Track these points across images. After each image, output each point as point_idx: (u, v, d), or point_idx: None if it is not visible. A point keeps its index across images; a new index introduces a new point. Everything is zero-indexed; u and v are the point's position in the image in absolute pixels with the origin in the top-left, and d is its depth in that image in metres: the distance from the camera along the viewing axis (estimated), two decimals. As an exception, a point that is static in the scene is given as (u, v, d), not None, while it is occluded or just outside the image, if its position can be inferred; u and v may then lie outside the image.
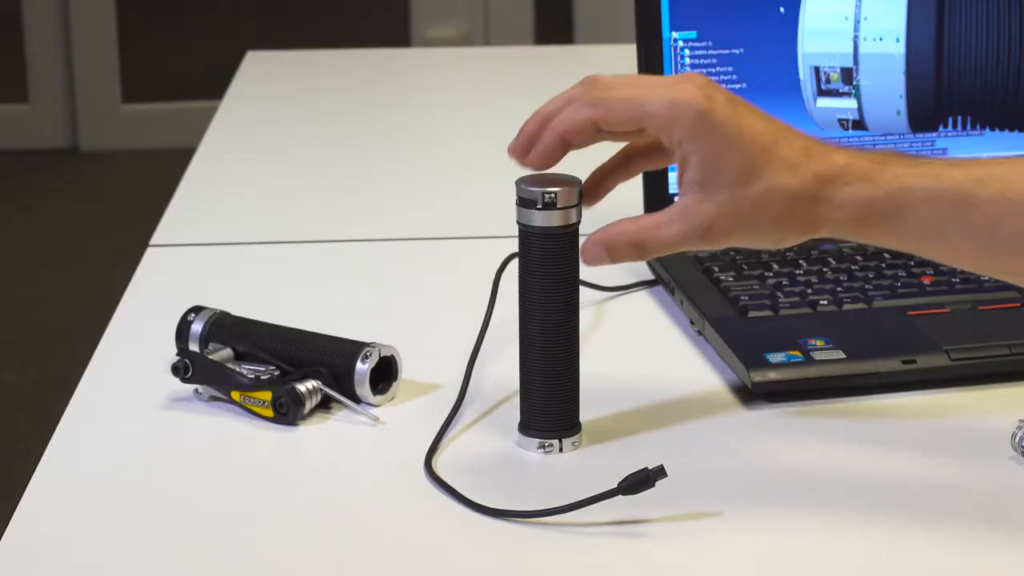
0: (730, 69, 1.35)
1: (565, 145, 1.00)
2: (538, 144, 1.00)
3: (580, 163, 1.04)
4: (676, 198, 1.01)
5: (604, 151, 1.04)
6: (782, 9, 1.35)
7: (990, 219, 0.96)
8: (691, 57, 1.34)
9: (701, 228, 0.98)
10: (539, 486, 1.03)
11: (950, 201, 0.96)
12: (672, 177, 1.35)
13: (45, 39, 4.58)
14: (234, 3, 4.70)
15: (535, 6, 4.64)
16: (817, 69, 1.36)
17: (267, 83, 2.11)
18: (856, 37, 1.36)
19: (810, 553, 0.96)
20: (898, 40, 1.37)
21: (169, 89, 4.64)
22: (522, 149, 1.00)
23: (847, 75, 1.37)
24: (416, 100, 2.09)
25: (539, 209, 1.02)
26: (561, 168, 1.02)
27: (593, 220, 1.03)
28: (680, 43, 1.34)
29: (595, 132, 0.99)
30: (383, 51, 2.78)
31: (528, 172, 1.02)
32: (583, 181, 1.04)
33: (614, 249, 1.00)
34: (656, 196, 1.35)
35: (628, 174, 1.05)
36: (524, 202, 1.02)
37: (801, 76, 1.36)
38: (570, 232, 1.03)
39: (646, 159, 1.04)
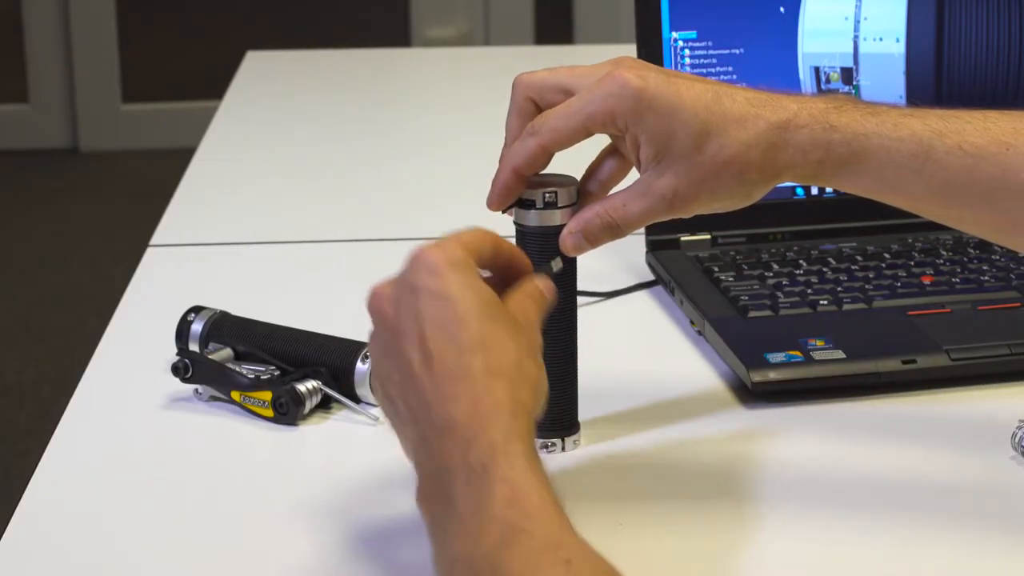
0: (730, 69, 1.35)
1: (521, 178, 1.01)
2: (495, 183, 1.01)
3: (576, 163, 1.04)
4: None
5: (596, 147, 1.04)
6: (782, 9, 1.35)
7: (946, 170, 0.97)
8: (691, 57, 1.34)
9: (664, 200, 0.98)
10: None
11: (908, 151, 0.97)
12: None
13: (45, 39, 4.58)
14: (234, 3, 4.70)
15: (535, 6, 4.64)
16: (817, 69, 1.36)
17: (267, 83, 2.11)
18: (856, 37, 1.36)
19: (810, 552, 0.96)
20: (898, 40, 1.37)
21: (169, 89, 4.64)
22: (490, 200, 1.02)
23: (847, 75, 1.37)
24: (416, 100, 2.09)
25: (539, 209, 1.02)
26: (557, 168, 1.03)
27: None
28: (680, 43, 1.34)
29: (547, 157, 1.00)
30: (383, 51, 2.78)
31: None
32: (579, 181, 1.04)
33: (591, 234, 1.01)
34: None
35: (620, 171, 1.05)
36: (523, 203, 1.02)
37: (801, 76, 1.36)
38: None
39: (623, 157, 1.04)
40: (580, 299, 1.07)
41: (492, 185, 1.01)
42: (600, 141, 1.03)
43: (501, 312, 0.88)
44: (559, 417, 1.07)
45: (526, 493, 0.81)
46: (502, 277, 0.94)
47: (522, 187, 1.01)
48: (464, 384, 0.84)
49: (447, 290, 0.87)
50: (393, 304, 0.88)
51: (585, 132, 0.98)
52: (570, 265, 1.04)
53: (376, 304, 0.90)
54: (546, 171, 1.02)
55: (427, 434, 0.85)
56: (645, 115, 0.97)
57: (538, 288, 0.93)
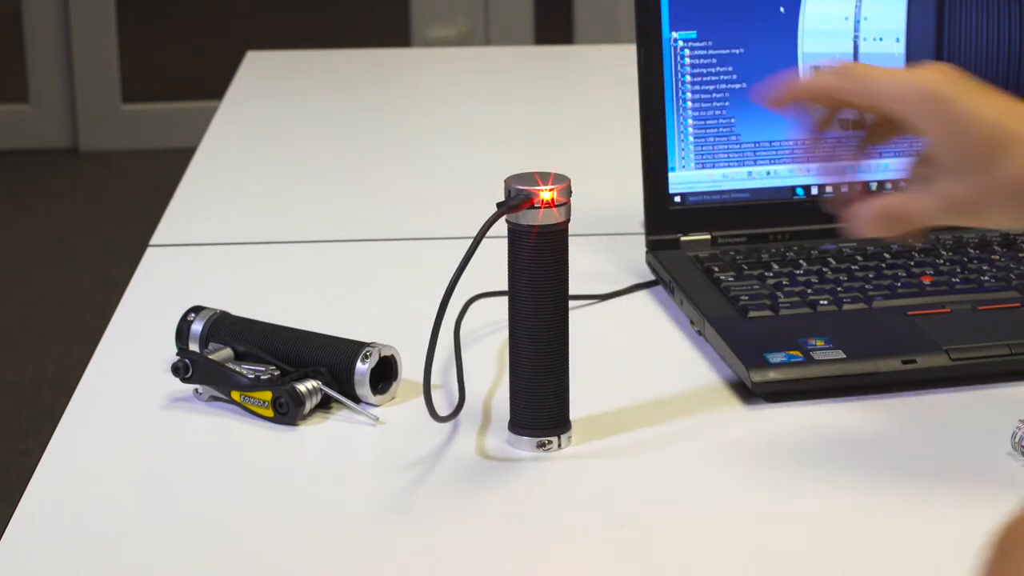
0: (730, 69, 1.35)
1: (803, 93, 1.04)
2: (780, 83, 1.03)
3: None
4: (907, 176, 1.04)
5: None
6: (782, 9, 1.35)
7: None
8: (691, 57, 1.34)
9: (955, 207, 1.00)
10: (546, 484, 1.03)
11: None
12: (672, 177, 1.35)
13: (45, 39, 4.58)
14: (234, 3, 4.70)
15: (535, 6, 4.64)
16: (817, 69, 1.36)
17: (267, 83, 2.11)
18: (856, 37, 1.36)
19: (810, 552, 0.96)
20: (898, 40, 1.37)
21: (169, 89, 4.64)
22: (764, 91, 1.04)
23: (847, 75, 1.36)
24: (416, 100, 2.09)
25: (535, 208, 1.02)
26: (553, 167, 1.03)
27: (584, 218, 1.03)
28: (680, 43, 1.34)
29: (834, 95, 1.02)
30: (383, 51, 2.78)
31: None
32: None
33: (889, 219, 1.03)
34: (656, 195, 1.35)
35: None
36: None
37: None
38: (561, 229, 1.03)
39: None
40: (581, 300, 1.07)
41: (772, 85, 1.03)
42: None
43: None
44: (554, 415, 1.07)
45: None
46: None
47: (793, 102, 1.03)
48: None
49: None
50: None
51: (872, 110, 1.02)
52: (561, 262, 1.04)
53: None
54: (542, 171, 1.02)
55: None
56: (936, 120, 0.98)
57: None
